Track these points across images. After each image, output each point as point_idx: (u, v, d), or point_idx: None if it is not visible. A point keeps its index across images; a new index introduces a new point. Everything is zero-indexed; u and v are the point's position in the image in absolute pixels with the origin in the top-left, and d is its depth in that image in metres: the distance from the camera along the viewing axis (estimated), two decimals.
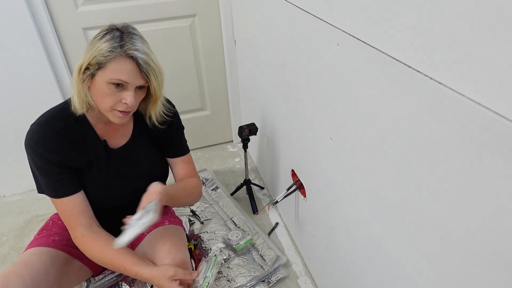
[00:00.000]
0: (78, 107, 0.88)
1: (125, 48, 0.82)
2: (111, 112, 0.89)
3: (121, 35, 0.83)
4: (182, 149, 1.15)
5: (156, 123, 1.01)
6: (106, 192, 1.00)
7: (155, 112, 0.98)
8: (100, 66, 0.82)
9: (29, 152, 0.89)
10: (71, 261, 1.04)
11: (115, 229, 1.04)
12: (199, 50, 1.81)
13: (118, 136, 1.01)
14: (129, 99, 0.85)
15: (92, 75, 0.84)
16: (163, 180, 1.13)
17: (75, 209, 0.94)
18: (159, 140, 1.08)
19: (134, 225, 0.85)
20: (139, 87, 0.88)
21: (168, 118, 1.04)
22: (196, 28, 1.74)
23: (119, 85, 0.84)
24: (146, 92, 0.93)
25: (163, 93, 0.99)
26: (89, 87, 0.87)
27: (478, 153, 0.46)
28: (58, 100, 1.54)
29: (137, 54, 0.82)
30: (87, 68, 0.84)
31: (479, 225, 0.49)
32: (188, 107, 1.96)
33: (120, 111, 0.88)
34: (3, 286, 0.84)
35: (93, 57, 0.82)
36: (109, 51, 0.81)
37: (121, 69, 0.82)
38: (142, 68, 0.84)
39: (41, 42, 1.50)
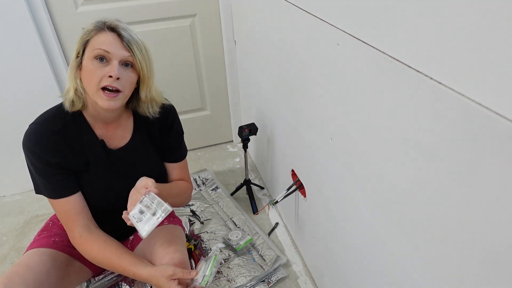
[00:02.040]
0: (76, 100, 0.90)
1: (108, 23, 0.86)
2: (98, 93, 0.85)
3: (106, 20, 0.87)
4: (180, 154, 1.14)
5: (152, 114, 0.99)
6: (104, 193, 1.00)
7: (147, 95, 0.95)
8: (85, 46, 0.86)
9: (27, 153, 0.89)
10: (72, 262, 1.04)
11: (113, 232, 1.04)
12: (199, 50, 1.81)
13: (117, 137, 1.00)
14: (113, 70, 0.83)
15: (81, 61, 0.87)
16: (162, 182, 1.13)
17: (72, 210, 0.93)
18: (159, 142, 1.08)
19: (148, 219, 0.83)
20: (126, 65, 0.88)
21: (167, 110, 1.05)
22: (196, 28, 1.74)
23: (103, 60, 0.85)
24: (138, 81, 0.93)
25: (156, 85, 0.99)
26: (80, 77, 0.89)
27: (478, 153, 0.46)
28: (58, 100, 1.53)
29: (119, 25, 0.86)
30: (77, 57, 0.87)
31: (479, 224, 0.49)
32: (188, 107, 1.96)
33: (106, 92, 0.85)
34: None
35: (79, 41, 0.86)
36: (93, 28, 0.86)
37: (102, 40, 0.85)
38: (124, 39, 0.86)
39: (41, 42, 1.50)
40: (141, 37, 0.90)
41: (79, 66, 0.88)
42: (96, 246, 0.93)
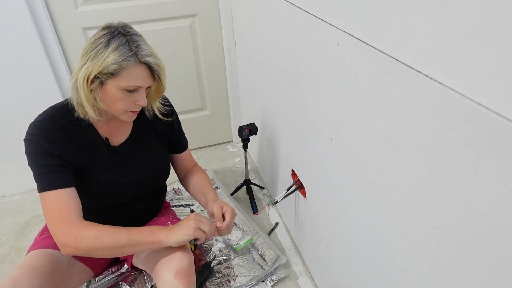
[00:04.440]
0: (92, 114, 0.88)
1: (139, 56, 0.83)
2: (124, 113, 0.91)
3: (127, 40, 0.83)
4: (185, 142, 1.21)
5: (159, 115, 1.03)
6: (109, 189, 1.00)
7: (156, 104, 1.01)
8: (113, 74, 0.82)
9: (28, 144, 0.86)
10: (74, 263, 1.04)
11: None
12: (199, 50, 1.81)
13: (119, 133, 1.01)
14: (143, 100, 0.89)
15: (102, 83, 0.84)
16: (165, 175, 1.13)
17: (69, 200, 0.87)
18: (165, 136, 1.11)
19: None
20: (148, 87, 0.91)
21: (167, 108, 1.07)
22: (196, 28, 1.74)
23: (133, 90, 0.86)
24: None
25: None
26: (100, 96, 0.87)
27: (478, 153, 0.46)
28: (58, 100, 1.52)
29: (149, 59, 0.85)
30: (95, 77, 0.83)
31: (479, 224, 0.49)
32: (188, 107, 1.96)
33: (132, 112, 0.92)
34: None
35: (104, 66, 0.81)
36: (123, 60, 0.81)
37: (136, 76, 0.84)
38: (154, 71, 0.87)
39: (41, 42, 1.50)
40: (159, 57, 0.90)
41: (100, 88, 0.85)
42: (95, 227, 0.85)
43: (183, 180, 1.23)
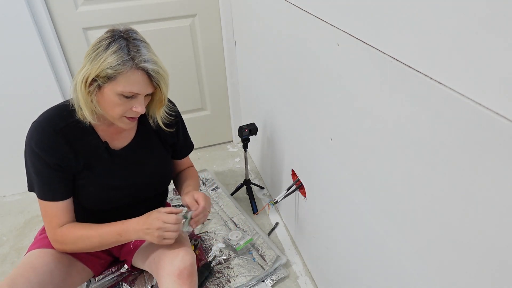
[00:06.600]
0: (89, 117, 0.88)
1: (136, 61, 0.81)
2: (120, 119, 0.90)
3: (127, 45, 0.82)
4: (189, 149, 1.22)
5: (161, 125, 1.02)
6: (108, 193, 1.00)
7: (160, 113, 0.99)
8: (109, 78, 0.81)
9: (28, 151, 0.89)
10: (74, 262, 1.04)
11: None
12: (199, 50, 1.81)
13: (121, 137, 1.00)
14: (140, 107, 0.87)
15: (99, 86, 0.84)
16: (167, 181, 1.13)
17: (60, 211, 0.94)
18: (168, 142, 1.10)
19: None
20: (147, 94, 0.89)
21: (172, 118, 1.05)
22: (196, 28, 1.74)
23: (130, 96, 0.85)
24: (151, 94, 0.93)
25: None
26: (97, 100, 0.87)
27: (478, 153, 0.46)
28: (58, 100, 1.52)
29: (148, 66, 0.83)
30: (93, 80, 0.83)
31: (479, 225, 0.49)
32: (188, 107, 1.96)
33: (129, 118, 0.90)
34: None
35: (101, 70, 0.80)
36: (119, 64, 0.80)
37: (133, 82, 0.82)
38: (153, 78, 0.85)
39: (41, 42, 1.50)
40: (162, 65, 0.88)
41: (97, 91, 0.84)
42: (74, 232, 0.94)
43: (174, 178, 1.25)
